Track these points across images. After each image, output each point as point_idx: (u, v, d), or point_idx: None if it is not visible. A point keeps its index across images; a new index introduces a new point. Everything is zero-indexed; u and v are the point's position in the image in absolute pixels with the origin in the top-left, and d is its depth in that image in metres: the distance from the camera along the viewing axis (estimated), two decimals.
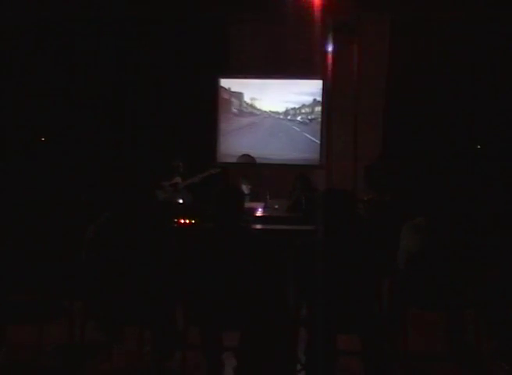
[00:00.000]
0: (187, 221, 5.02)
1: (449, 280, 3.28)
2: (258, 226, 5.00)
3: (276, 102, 7.23)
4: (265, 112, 7.25)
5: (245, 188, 6.18)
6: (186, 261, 3.02)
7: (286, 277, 3.08)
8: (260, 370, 3.03)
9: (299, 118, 7.18)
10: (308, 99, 7.15)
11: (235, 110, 7.32)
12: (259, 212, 5.47)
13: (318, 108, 7.10)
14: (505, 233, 4.92)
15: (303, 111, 7.16)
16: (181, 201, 5.97)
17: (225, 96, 7.31)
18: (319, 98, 7.07)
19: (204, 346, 3.15)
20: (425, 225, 3.41)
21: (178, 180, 6.32)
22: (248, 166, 6.84)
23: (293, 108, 7.18)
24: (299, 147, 7.16)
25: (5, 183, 6.22)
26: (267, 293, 2.93)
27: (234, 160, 6.98)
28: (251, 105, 7.29)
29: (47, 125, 7.39)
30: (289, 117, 7.20)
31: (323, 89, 7.04)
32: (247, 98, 7.30)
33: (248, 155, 6.86)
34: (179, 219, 5.04)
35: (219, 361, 3.08)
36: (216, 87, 7.21)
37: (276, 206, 5.78)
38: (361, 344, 2.93)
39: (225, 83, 7.29)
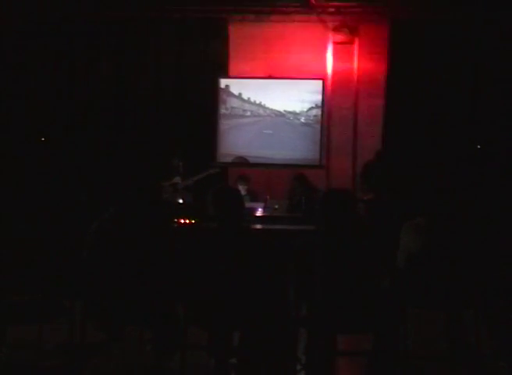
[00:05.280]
0: (187, 221, 5.02)
1: (449, 280, 3.28)
2: (258, 226, 5.00)
3: (276, 102, 7.22)
4: (265, 112, 7.25)
5: (242, 189, 6.18)
6: (186, 261, 3.02)
7: (286, 277, 3.08)
8: (260, 370, 3.03)
9: (299, 118, 7.17)
10: (308, 99, 7.14)
11: (235, 110, 7.32)
12: (259, 212, 5.48)
13: (318, 108, 7.09)
14: (505, 232, 4.92)
15: (302, 111, 7.15)
16: (181, 201, 5.97)
17: (225, 96, 7.31)
18: (319, 98, 7.07)
19: (210, 347, 3.15)
20: (425, 225, 3.41)
21: (178, 180, 6.31)
22: (247, 166, 6.84)
23: (293, 108, 7.18)
24: (299, 147, 7.16)
25: (5, 183, 6.23)
26: (267, 293, 2.92)
27: (232, 160, 6.99)
28: (251, 105, 7.28)
29: (47, 125, 7.39)
30: (288, 117, 7.20)
31: (323, 89, 7.03)
32: (246, 98, 7.29)
33: (242, 157, 6.87)
34: (179, 219, 5.04)
35: (226, 363, 3.09)
36: (216, 87, 7.21)
37: (276, 206, 5.78)
38: (373, 342, 2.92)
39: (224, 83, 7.29)
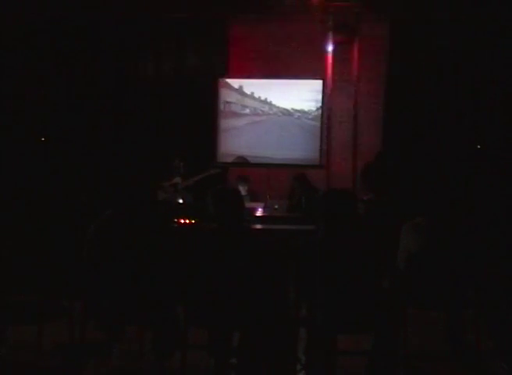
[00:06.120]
0: (187, 221, 5.02)
1: (449, 280, 3.28)
2: (258, 226, 5.00)
3: (276, 102, 7.21)
4: (265, 111, 7.24)
5: (242, 189, 6.18)
6: (186, 261, 3.02)
7: (286, 277, 3.08)
8: (260, 370, 3.03)
9: (299, 118, 7.17)
10: (308, 99, 7.13)
11: (235, 110, 7.31)
12: (259, 212, 5.48)
13: (318, 108, 7.09)
14: (505, 232, 4.92)
15: (303, 111, 7.14)
16: (181, 201, 5.97)
17: (225, 96, 7.30)
18: (319, 98, 7.06)
19: (210, 347, 3.15)
20: (425, 225, 3.41)
21: (178, 180, 6.31)
22: (246, 166, 6.84)
23: (293, 108, 7.17)
24: (299, 146, 7.15)
25: (5, 183, 6.23)
26: (267, 293, 2.92)
27: (232, 160, 6.99)
28: (251, 105, 7.28)
29: (47, 125, 7.39)
30: (289, 117, 7.19)
31: (323, 89, 7.03)
32: (247, 98, 7.29)
33: (242, 157, 6.87)
34: (179, 219, 5.03)
35: (226, 363, 3.09)
36: (216, 87, 7.20)
37: (276, 206, 5.78)
38: (373, 342, 2.93)
39: (225, 82, 7.28)
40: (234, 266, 2.89)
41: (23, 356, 3.43)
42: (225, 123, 7.29)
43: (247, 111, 7.24)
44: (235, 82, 7.21)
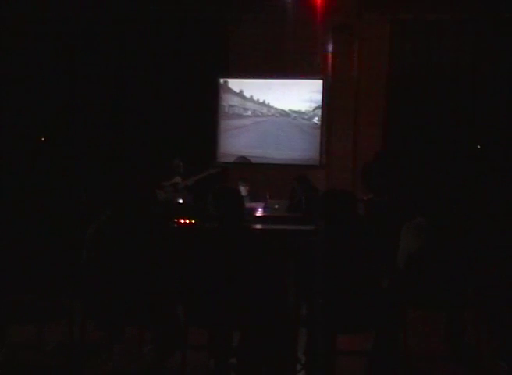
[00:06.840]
0: (187, 221, 5.02)
1: (449, 280, 3.28)
2: (258, 226, 5.00)
3: (276, 102, 7.22)
4: (265, 112, 7.25)
5: (243, 190, 6.18)
6: (186, 261, 3.02)
7: (286, 277, 3.08)
8: (260, 370, 3.03)
9: (299, 118, 7.17)
10: (308, 99, 7.14)
11: (235, 110, 7.32)
12: (259, 212, 5.47)
13: (318, 108, 7.09)
14: (505, 232, 4.92)
15: (303, 111, 7.15)
16: (181, 201, 5.97)
17: (225, 96, 7.30)
18: (319, 98, 7.06)
19: (210, 347, 3.15)
20: (425, 225, 3.41)
21: (178, 180, 6.32)
22: (247, 166, 6.84)
23: (293, 108, 7.17)
24: (299, 147, 7.16)
25: (5, 183, 6.23)
26: (267, 293, 2.92)
27: (233, 160, 6.99)
28: (251, 105, 7.28)
29: (47, 125, 7.39)
30: (289, 117, 7.20)
31: (323, 89, 7.03)
32: (247, 98, 7.29)
33: (244, 157, 6.87)
34: (179, 219, 5.03)
35: (226, 363, 3.09)
36: (216, 87, 7.21)
37: (276, 206, 5.78)
38: (373, 342, 2.93)
39: (225, 82, 7.29)
40: (234, 266, 2.90)
41: (23, 356, 3.43)
42: (225, 124, 7.30)
43: (247, 112, 7.25)
44: (235, 84, 7.22)
